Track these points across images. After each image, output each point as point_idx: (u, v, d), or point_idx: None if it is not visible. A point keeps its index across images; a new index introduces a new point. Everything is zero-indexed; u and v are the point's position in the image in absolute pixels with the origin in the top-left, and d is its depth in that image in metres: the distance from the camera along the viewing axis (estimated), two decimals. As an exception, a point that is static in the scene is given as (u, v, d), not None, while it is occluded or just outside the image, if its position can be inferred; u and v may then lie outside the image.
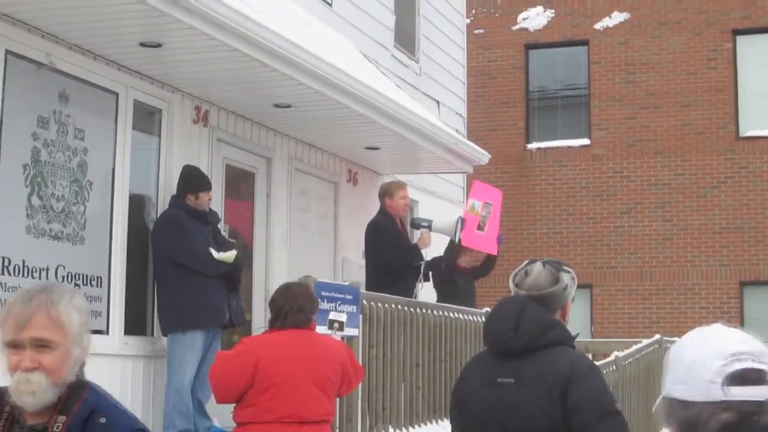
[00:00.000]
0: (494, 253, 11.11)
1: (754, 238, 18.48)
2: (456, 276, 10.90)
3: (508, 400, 3.81)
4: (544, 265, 4.03)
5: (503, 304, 4.00)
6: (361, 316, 7.98)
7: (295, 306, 5.96)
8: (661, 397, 2.06)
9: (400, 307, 8.71)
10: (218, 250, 8.11)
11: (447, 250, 10.94)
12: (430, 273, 10.64)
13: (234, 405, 5.96)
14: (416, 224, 10.41)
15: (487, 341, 4.00)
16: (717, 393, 1.91)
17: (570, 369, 3.77)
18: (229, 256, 8.10)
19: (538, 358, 3.81)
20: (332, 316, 7.40)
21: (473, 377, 4.00)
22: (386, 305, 8.48)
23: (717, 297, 18.55)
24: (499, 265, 18.99)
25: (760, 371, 1.93)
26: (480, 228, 10.62)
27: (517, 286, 4.03)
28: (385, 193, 10.30)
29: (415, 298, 10.27)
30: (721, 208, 18.70)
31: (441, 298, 10.73)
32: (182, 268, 7.93)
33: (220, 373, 5.87)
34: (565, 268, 4.06)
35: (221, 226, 8.80)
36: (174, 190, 8.39)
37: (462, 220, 10.26)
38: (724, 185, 18.74)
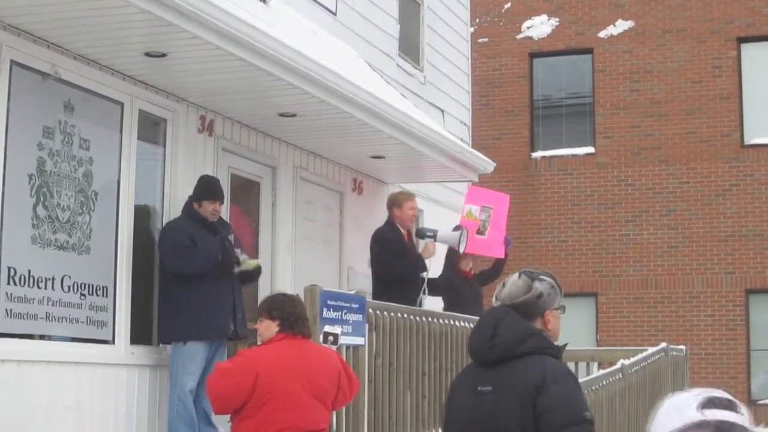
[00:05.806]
0: (501, 256, 11.06)
1: (759, 246, 18.46)
2: (459, 283, 10.87)
3: (486, 407, 3.92)
4: (519, 276, 4.13)
5: (484, 315, 4.14)
6: (367, 325, 7.97)
7: (303, 315, 6.03)
8: None
9: (406, 315, 8.70)
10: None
11: (445, 266, 10.90)
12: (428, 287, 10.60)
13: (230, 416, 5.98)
14: (421, 234, 10.37)
15: (469, 351, 4.12)
16: (694, 414, 2.16)
17: (540, 378, 3.84)
18: (254, 263, 8.33)
19: (512, 367, 3.90)
20: (327, 329, 7.20)
21: (459, 386, 4.14)
22: (392, 314, 8.47)
23: (722, 305, 18.52)
24: (505, 273, 19.07)
25: (730, 401, 2.21)
26: (480, 233, 10.60)
27: (495, 297, 4.13)
28: (394, 203, 10.22)
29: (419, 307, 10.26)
30: (726, 215, 18.68)
31: (446, 306, 10.74)
32: (186, 278, 7.92)
33: (219, 386, 5.88)
34: (542, 277, 4.12)
35: (232, 237, 8.75)
36: (179, 200, 8.40)
37: (466, 231, 10.22)
38: (729, 193, 18.72)
